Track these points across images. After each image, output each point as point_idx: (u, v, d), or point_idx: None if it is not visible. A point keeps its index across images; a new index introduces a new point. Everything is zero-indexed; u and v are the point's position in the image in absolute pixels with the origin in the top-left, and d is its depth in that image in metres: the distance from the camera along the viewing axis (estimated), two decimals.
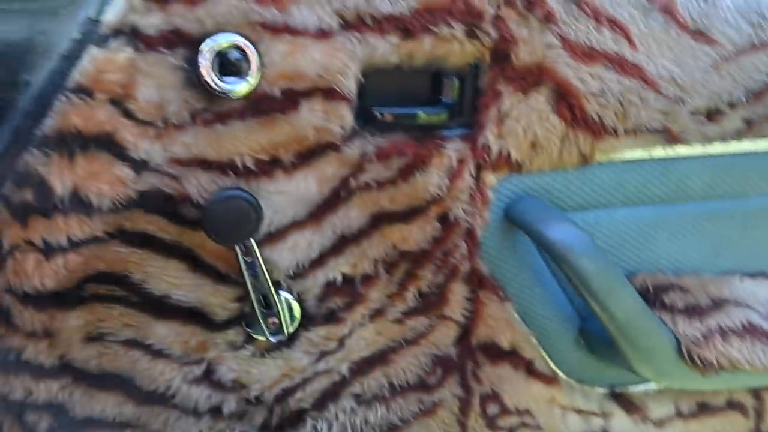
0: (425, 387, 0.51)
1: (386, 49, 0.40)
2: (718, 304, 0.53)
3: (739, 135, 0.51)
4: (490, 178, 0.46)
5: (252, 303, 0.42)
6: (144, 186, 0.38)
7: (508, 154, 0.46)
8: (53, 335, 0.40)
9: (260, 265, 0.41)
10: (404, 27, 0.40)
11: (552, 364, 0.55)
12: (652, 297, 0.52)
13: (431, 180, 0.44)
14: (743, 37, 0.48)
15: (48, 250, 0.38)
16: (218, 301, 0.43)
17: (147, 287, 0.41)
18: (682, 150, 0.51)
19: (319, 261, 0.44)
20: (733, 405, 0.63)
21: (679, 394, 0.62)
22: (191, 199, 0.39)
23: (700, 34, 0.47)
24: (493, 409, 0.54)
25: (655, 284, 0.53)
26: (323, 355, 0.47)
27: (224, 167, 0.39)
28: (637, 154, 0.50)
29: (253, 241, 0.40)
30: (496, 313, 0.50)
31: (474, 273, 0.49)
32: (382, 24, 0.39)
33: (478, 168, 0.45)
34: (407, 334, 0.49)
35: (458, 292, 0.49)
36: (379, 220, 0.44)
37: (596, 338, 0.54)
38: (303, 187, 0.42)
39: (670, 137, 0.49)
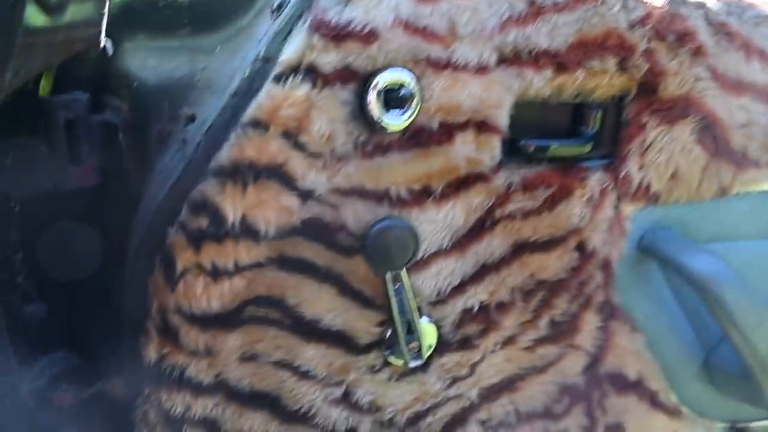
0: (551, 415, 0.50)
1: (540, 83, 0.41)
2: None
3: None
4: (629, 209, 0.46)
5: (394, 327, 0.43)
6: (307, 214, 0.40)
7: (648, 186, 0.45)
8: (213, 354, 0.41)
9: (407, 291, 0.42)
10: (559, 62, 0.41)
11: (675, 397, 0.54)
12: None
13: (574, 210, 0.44)
14: None
15: (216, 274, 0.39)
16: (363, 325, 0.44)
17: (300, 311, 0.42)
18: None
19: (460, 288, 0.45)
20: None
21: None
22: (347, 228, 0.41)
23: None
24: None
25: None
26: (455, 380, 0.47)
27: (380, 196, 0.41)
28: None
29: (404, 269, 0.41)
30: (625, 344, 0.50)
31: (607, 303, 0.48)
32: (539, 59, 0.40)
33: (619, 199, 0.45)
34: (537, 362, 0.49)
35: (591, 321, 0.48)
36: (521, 249, 0.45)
37: (723, 371, 0.53)
38: (451, 217, 0.42)
39: None
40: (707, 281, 0.44)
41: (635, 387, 0.52)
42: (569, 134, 0.45)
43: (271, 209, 0.39)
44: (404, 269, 0.42)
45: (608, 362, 0.50)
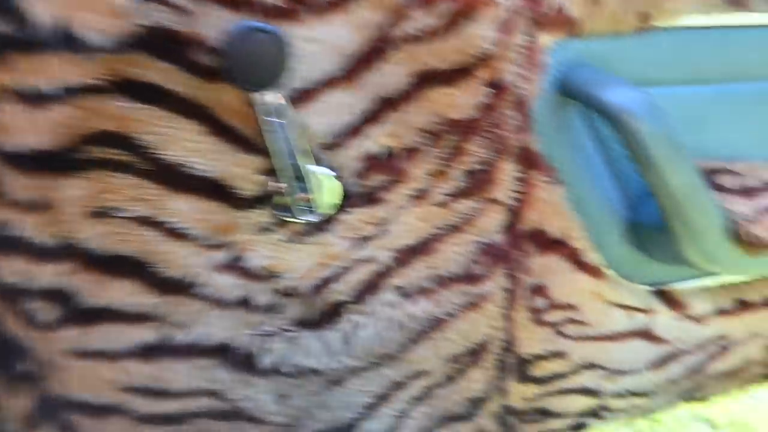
0: (471, 278, 0.46)
1: None
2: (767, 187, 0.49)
3: None
4: (546, 39, 0.41)
5: (278, 172, 0.37)
6: (148, 20, 0.31)
7: (562, 8, 0.40)
8: (51, 208, 0.33)
9: (290, 127, 0.35)
10: None
11: (594, 256, 0.51)
12: (705, 179, 0.48)
13: (481, 32, 0.38)
14: None
15: (34, 99, 0.31)
16: (241, 172, 0.36)
17: (158, 153, 0.34)
18: (743, 18, 0.46)
19: (358, 128, 0.38)
20: None
21: (718, 291, 0.59)
22: (205, 43, 0.33)
23: None
24: (540, 302, 0.50)
25: (707, 168, 0.49)
26: (363, 240, 0.42)
27: (247, 3, 0.33)
28: (698, 20, 0.45)
29: (279, 94, 0.34)
30: (546, 197, 0.46)
31: (525, 150, 0.43)
32: None
33: (533, 24, 0.40)
34: (453, 219, 0.44)
35: (508, 171, 0.44)
36: (423, 80, 0.39)
37: (645, 229, 0.50)
38: (337, 35, 0.35)
39: (737, 2, 0.44)
40: (621, 112, 0.39)
41: (558, 245, 0.48)
42: None
43: (95, 10, 0.30)
44: (283, 98, 0.34)
45: (528, 218, 0.46)
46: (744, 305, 0.60)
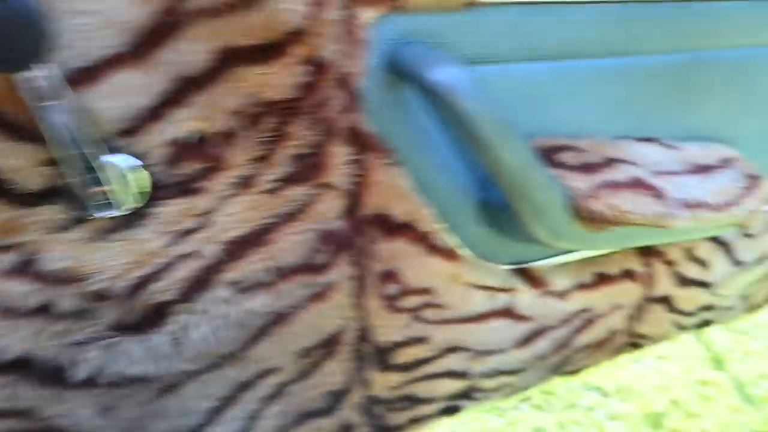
0: (313, 268, 0.44)
1: None
2: (609, 162, 0.51)
3: None
4: (366, 14, 0.39)
5: (62, 164, 0.33)
6: None
7: None
8: None
9: (67, 109, 0.32)
10: None
11: (454, 239, 0.51)
12: (546, 156, 0.49)
13: (287, 6, 0.36)
14: None
15: None
16: (19, 163, 0.32)
17: None
18: None
19: (158, 112, 0.35)
20: (627, 273, 0.64)
21: (578, 266, 0.60)
22: None
23: None
24: (392, 289, 0.48)
25: (549, 145, 0.50)
26: (184, 234, 0.39)
27: None
28: None
29: (49, 73, 0.30)
30: (386, 180, 0.44)
31: (356, 132, 0.42)
32: None
33: (349, 1, 0.38)
34: (286, 207, 0.42)
35: (339, 154, 0.42)
36: (229, 58, 0.36)
37: (495, 208, 0.50)
38: (112, 7, 0.32)
39: None
40: (444, 91, 0.38)
41: (405, 229, 0.47)
42: None
43: None
44: (55, 79, 0.31)
45: (369, 202, 0.45)
46: (603, 278, 0.63)
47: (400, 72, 0.41)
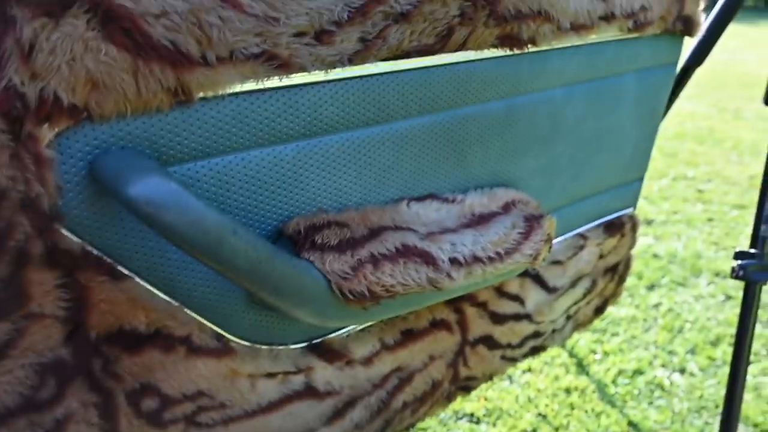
0: (36, 405, 0.40)
1: None
2: (375, 233, 0.50)
3: (359, 57, 0.46)
4: (43, 132, 0.35)
5: None
6: None
7: (57, 99, 0.35)
8: None
9: None
10: None
11: (224, 333, 0.48)
12: (302, 239, 0.47)
13: None
14: None
15: None
16: None
17: None
18: (301, 78, 0.45)
19: None
20: (436, 324, 0.64)
21: (381, 327, 0.60)
22: None
23: None
24: (150, 403, 0.45)
25: (309, 225, 0.48)
26: None
27: None
28: (250, 85, 0.42)
29: None
30: (112, 296, 0.41)
31: (57, 253, 0.38)
32: None
33: (13, 120, 0.34)
34: None
35: (41, 280, 0.38)
36: None
37: None
38: None
39: (280, 63, 0.42)
40: (144, 207, 0.36)
41: (153, 339, 0.44)
42: None
43: None
44: None
45: (97, 322, 0.41)
46: (412, 334, 0.62)
47: (103, 184, 0.38)
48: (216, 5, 0.38)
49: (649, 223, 2.02)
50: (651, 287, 1.62)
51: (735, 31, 7.48)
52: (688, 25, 0.74)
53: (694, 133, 3.17)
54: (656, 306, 1.53)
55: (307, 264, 0.45)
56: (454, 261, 0.52)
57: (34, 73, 0.34)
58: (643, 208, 2.12)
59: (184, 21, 0.37)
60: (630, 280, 1.63)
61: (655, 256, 1.79)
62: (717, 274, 1.69)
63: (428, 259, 0.50)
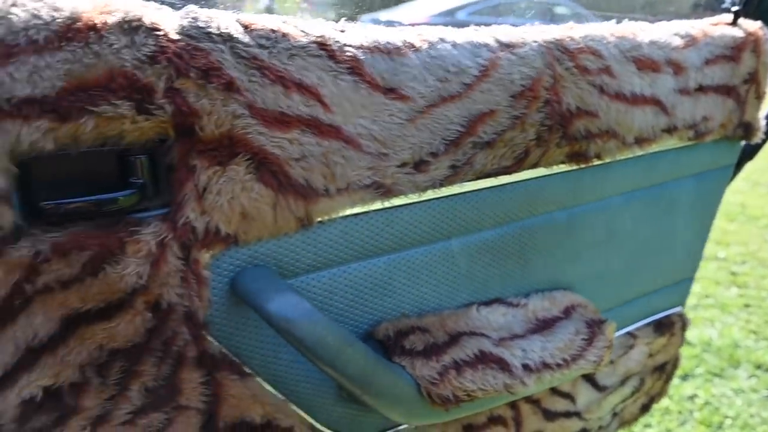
0: None
1: (35, 135, 0.35)
2: (454, 338, 0.56)
3: (448, 180, 0.55)
4: (203, 256, 0.44)
5: None
6: None
7: (218, 230, 0.43)
8: None
9: None
10: (53, 109, 0.36)
11: (318, 425, 0.54)
12: (393, 344, 0.54)
13: (127, 270, 0.40)
14: (432, 91, 0.52)
15: None
16: None
17: None
18: (398, 200, 0.53)
19: (5, 380, 0.37)
20: (494, 420, 0.68)
21: (445, 422, 0.65)
22: None
23: (391, 91, 0.50)
24: None
25: (397, 330, 0.55)
26: None
27: None
28: (357, 209, 0.51)
29: None
30: (239, 392, 0.48)
31: (205, 356, 0.45)
32: (21, 108, 0.35)
33: (185, 248, 0.43)
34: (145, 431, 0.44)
35: (191, 379, 0.45)
36: (73, 322, 0.39)
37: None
38: None
39: (384, 191, 0.51)
40: (281, 321, 0.43)
41: (265, 430, 0.50)
42: (122, 187, 0.41)
43: None
44: None
45: (225, 414, 0.47)
46: (471, 429, 0.67)
47: (242, 298, 0.46)
48: (341, 146, 0.47)
49: None
50: (684, 377, 1.56)
51: None
52: (748, 131, 0.78)
53: (724, 209, 2.88)
54: (691, 398, 1.49)
55: (400, 369, 0.51)
56: (526, 367, 0.57)
57: (204, 210, 0.42)
58: None
59: (317, 162, 0.46)
60: None
61: (688, 343, 1.75)
62: (758, 367, 1.61)
63: (504, 366, 0.56)
